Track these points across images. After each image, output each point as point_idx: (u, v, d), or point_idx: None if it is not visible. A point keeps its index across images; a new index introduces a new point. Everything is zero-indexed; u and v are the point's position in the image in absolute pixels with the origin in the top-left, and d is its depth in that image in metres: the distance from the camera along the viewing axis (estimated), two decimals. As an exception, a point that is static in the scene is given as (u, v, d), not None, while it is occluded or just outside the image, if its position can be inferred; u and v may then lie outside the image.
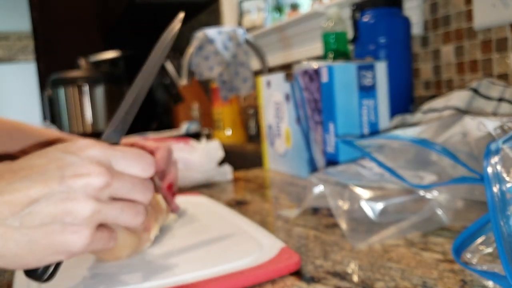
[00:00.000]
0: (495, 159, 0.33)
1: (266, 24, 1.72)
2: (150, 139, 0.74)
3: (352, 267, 0.38)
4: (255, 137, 1.60)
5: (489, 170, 0.33)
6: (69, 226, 0.30)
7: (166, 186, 0.54)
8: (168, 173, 0.56)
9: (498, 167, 0.33)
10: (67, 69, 2.17)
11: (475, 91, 0.71)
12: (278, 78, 0.88)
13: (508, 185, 0.32)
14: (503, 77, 0.84)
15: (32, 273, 0.32)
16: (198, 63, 1.47)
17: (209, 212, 0.58)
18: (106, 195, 0.32)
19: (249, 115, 1.68)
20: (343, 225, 0.47)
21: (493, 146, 0.34)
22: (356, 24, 0.92)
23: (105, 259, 0.42)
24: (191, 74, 1.47)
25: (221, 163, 0.86)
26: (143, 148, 0.57)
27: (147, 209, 0.35)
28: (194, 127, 1.82)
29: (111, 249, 0.41)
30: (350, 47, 0.93)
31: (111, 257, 0.42)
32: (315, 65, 0.73)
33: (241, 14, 1.79)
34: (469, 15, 0.89)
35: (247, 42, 1.48)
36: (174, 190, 0.56)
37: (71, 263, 0.41)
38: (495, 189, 0.32)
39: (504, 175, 0.32)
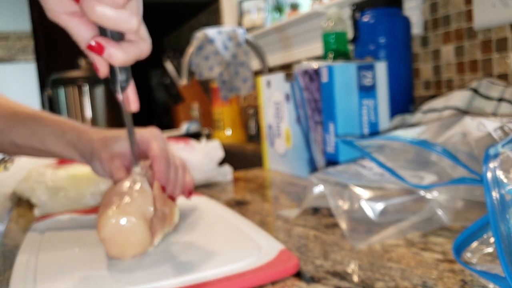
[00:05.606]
0: (494, 164, 0.33)
1: (266, 24, 1.72)
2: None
3: (352, 267, 0.38)
4: (255, 137, 1.60)
5: (489, 175, 0.33)
6: None
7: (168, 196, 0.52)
8: (168, 184, 0.53)
9: (497, 172, 0.33)
10: (67, 69, 2.17)
11: (475, 91, 0.71)
12: (278, 78, 0.88)
13: (508, 187, 0.32)
14: (503, 77, 0.84)
15: None
16: (198, 63, 1.47)
17: (208, 212, 0.57)
18: None
19: (249, 115, 1.68)
20: (343, 225, 0.47)
21: (492, 151, 0.34)
22: (356, 24, 0.92)
23: (111, 254, 0.42)
24: (191, 74, 1.47)
25: (221, 163, 0.86)
26: (144, 151, 0.55)
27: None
28: (194, 127, 1.82)
29: (120, 245, 0.41)
30: (350, 47, 0.93)
31: (118, 253, 0.42)
32: (315, 65, 0.73)
33: (241, 14, 1.79)
34: (469, 15, 0.89)
35: (247, 42, 1.48)
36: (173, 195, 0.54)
37: (68, 265, 0.41)
38: (495, 193, 0.32)
39: (503, 177, 0.32)
